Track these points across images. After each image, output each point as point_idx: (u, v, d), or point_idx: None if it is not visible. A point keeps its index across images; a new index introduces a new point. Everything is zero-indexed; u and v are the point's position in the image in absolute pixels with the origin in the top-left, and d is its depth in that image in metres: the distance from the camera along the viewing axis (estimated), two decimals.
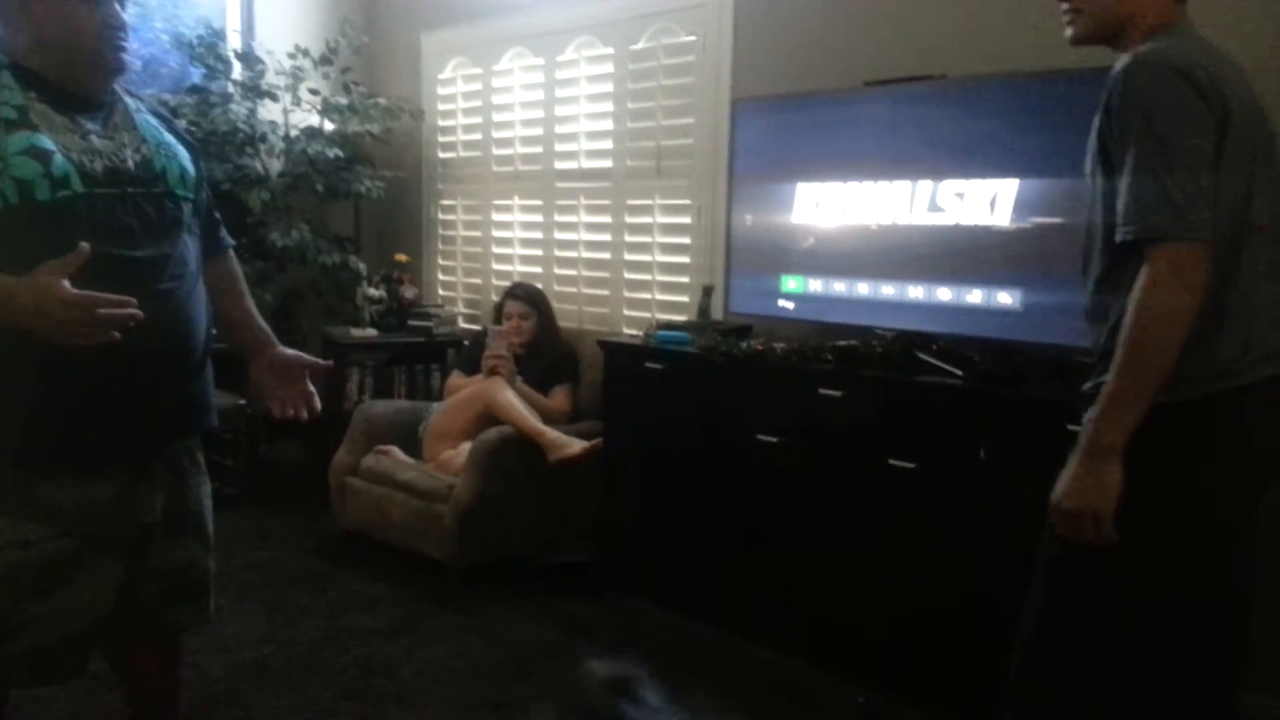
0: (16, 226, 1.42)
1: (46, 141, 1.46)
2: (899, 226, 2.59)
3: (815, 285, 2.80)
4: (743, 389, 2.69)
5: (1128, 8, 1.51)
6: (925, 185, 2.53)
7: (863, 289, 2.69)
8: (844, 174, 2.70)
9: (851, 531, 2.44)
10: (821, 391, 2.48)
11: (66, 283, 1.35)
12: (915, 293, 2.57)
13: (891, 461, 2.33)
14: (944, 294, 2.52)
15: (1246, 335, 1.43)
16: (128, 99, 1.65)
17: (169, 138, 1.67)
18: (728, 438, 2.70)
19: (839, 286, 2.74)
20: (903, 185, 2.57)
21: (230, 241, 1.90)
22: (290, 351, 1.87)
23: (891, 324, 2.58)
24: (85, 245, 1.39)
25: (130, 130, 1.60)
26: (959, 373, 2.30)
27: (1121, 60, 1.44)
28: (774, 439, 2.58)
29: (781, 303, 2.88)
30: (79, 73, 1.55)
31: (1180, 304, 1.34)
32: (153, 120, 1.67)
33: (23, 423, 1.50)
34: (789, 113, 2.88)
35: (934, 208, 2.52)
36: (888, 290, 2.63)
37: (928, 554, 2.29)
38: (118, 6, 1.56)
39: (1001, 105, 2.39)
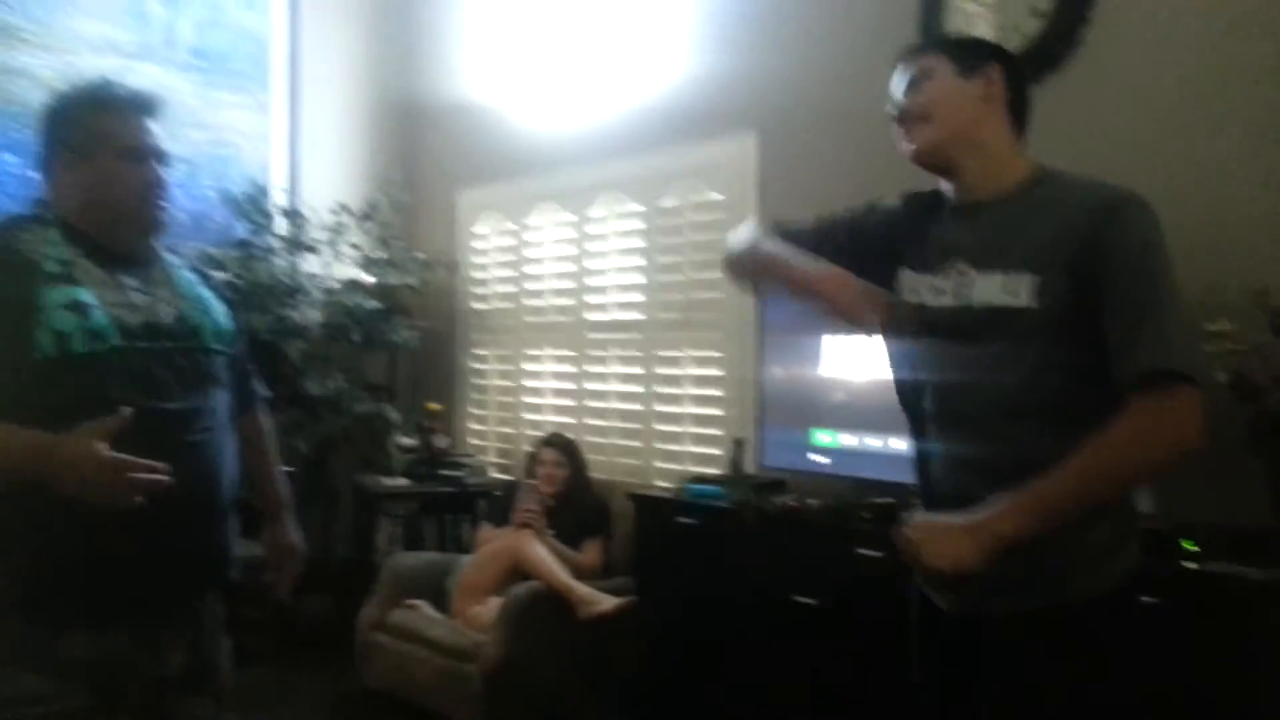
0: (52, 377, 1.45)
1: (87, 296, 1.50)
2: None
3: (848, 440, 2.79)
4: (778, 547, 2.66)
5: (977, 126, 1.47)
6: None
7: (897, 444, 2.68)
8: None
9: (897, 702, 2.35)
10: (860, 552, 2.44)
11: (103, 445, 1.37)
12: None
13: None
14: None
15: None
16: (167, 255, 1.71)
17: (206, 293, 1.72)
18: (763, 598, 2.65)
19: (873, 441, 2.74)
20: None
21: (262, 394, 1.93)
22: (289, 537, 1.91)
23: None
24: (127, 410, 1.40)
25: (168, 286, 1.65)
26: None
27: (1098, 193, 1.39)
28: (812, 601, 2.52)
29: (814, 457, 2.87)
30: (121, 230, 1.61)
31: (1187, 451, 1.28)
32: (190, 276, 1.73)
33: (39, 573, 1.49)
34: None
35: None
36: None
37: None
38: (158, 166, 1.63)
39: None
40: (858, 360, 2.77)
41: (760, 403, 3.12)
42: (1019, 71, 1.52)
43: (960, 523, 1.31)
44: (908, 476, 2.58)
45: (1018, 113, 1.50)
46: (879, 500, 2.57)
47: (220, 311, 1.72)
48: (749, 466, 3.14)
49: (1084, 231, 1.35)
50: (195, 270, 1.77)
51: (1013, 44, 2.67)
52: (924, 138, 1.47)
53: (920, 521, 1.37)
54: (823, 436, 2.85)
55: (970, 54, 1.50)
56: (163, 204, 1.63)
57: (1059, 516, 1.29)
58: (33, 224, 1.57)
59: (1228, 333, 2.01)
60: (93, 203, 1.58)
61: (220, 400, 1.67)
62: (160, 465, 1.40)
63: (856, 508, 2.58)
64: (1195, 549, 1.97)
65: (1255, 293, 2.09)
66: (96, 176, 1.58)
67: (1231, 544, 1.96)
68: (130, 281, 1.59)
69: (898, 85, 1.53)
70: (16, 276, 1.47)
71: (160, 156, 1.63)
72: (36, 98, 3.73)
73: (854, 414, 2.78)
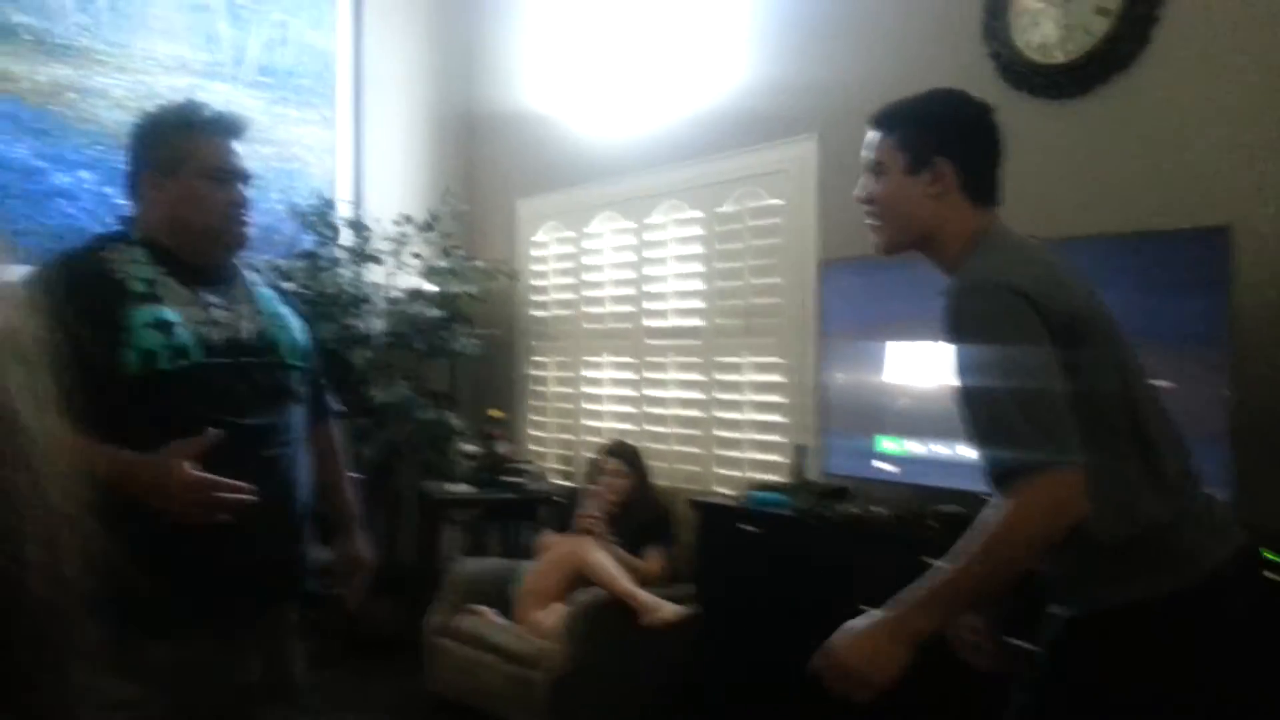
0: (138, 395, 1.50)
1: (170, 314, 1.55)
2: None
3: (914, 446, 2.76)
4: (843, 555, 2.63)
5: (926, 221, 1.50)
6: None
7: (966, 451, 2.64)
8: (937, 334, 2.68)
9: (964, 714, 2.31)
10: (927, 560, 2.40)
11: (190, 464, 1.41)
12: None
13: (1008, 640, 2.22)
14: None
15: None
16: (247, 272, 1.75)
17: (283, 309, 1.76)
18: (828, 607, 2.61)
19: (940, 449, 2.70)
20: None
21: (335, 408, 1.97)
22: (358, 549, 1.93)
23: None
24: (214, 431, 1.45)
25: (248, 302, 1.69)
26: None
27: (949, 282, 1.43)
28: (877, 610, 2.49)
29: (879, 464, 2.83)
30: (204, 248, 1.65)
31: (1069, 524, 1.29)
32: (269, 292, 1.77)
33: (126, 582, 1.53)
34: (878, 274, 2.91)
35: None
36: None
37: None
38: (242, 186, 1.67)
39: (1100, 265, 2.38)
40: (923, 365, 2.73)
41: (823, 409, 3.10)
42: (972, 149, 1.52)
43: (876, 628, 1.38)
44: (977, 484, 2.57)
45: (976, 189, 1.51)
46: (947, 509, 2.53)
47: (297, 327, 1.76)
48: (812, 473, 3.12)
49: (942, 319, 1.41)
50: (273, 287, 1.82)
51: (1078, 45, 2.62)
52: (880, 234, 1.56)
53: (837, 640, 1.42)
54: (888, 443, 2.82)
55: (920, 146, 1.50)
56: (245, 223, 1.68)
57: (963, 607, 1.38)
58: (119, 243, 1.62)
59: None
60: (178, 221, 1.63)
61: (296, 415, 1.71)
62: (244, 485, 1.45)
63: (923, 516, 2.54)
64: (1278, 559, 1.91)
65: None
66: (182, 196, 1.62)
67: None
68: (212, 299, 1.63)
69: (865, 151, 1.57)
70: (105, 296, 1.52)
71: (244, 177, 1.68)
72: (112, 117, 3.89)
73: (921, 420, 2.74)
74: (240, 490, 1.45)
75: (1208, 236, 2.21)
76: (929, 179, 1.49)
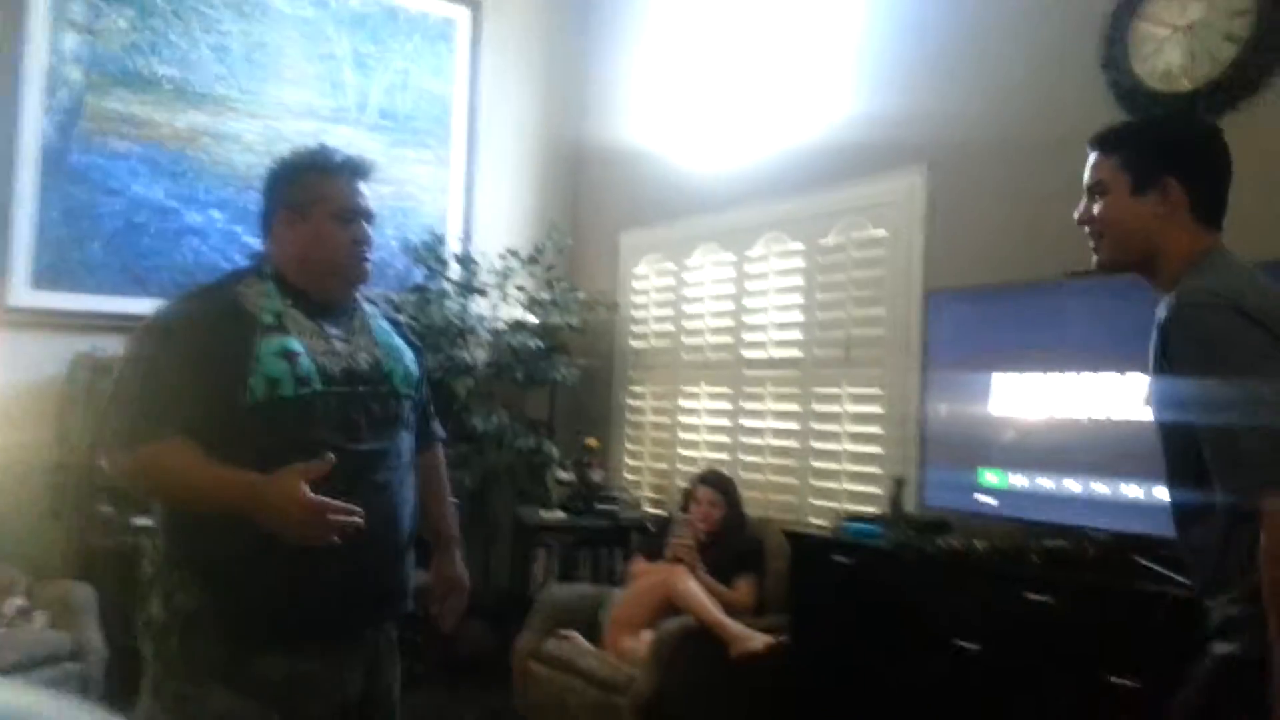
0: (261, 419, 1.58)
1: (296, 345, 1.63)
2: (1111, 421, 2.43)
3: (1018, 480, 2.64)
4: (940, 589, 2.53)
5: (1152, 239, 1.48)
6: (1136, 378, 2.37)
7: (1072, 486, 2.51)
8: (1046, 365, 2.59)
9: None
10: (1028, 596, 2.29)
11: (306, 487, 1.48)
12: (1132, 491, 2.37)
13: (1111, 679, 2.09)
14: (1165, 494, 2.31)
15: None
16: (366, 305, 1.83)
17: (398, 341, 1.83)
18: (923, 642, 2.52)
19: (1045, 482, 2.57)
20: (1111, 378, 2.43)
21: (440, 435, 2.02)
22: (456, 572, 1.97)
23: (1106, 525, 2.38)
24: (329, 455, 1.53)
25: (366, 334, 1.76)
26: (1188, 581, 2.06)
27: (1166, 300, 1.39)
28: (975, 646, 2.38)
29: (980, 497, 2.72)
30: (329, 283, 1.74)
31: None
32: (385, 325, 1.84)
33: (241, 597, 1.59)
34: (985, 304, 2.83)
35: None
36: (1100, 488, 2.44)
37: None
38: (366, 225, 1.76)
39: None
40: (1029, 397, 2.63)
41: (923, 441, 3.00)
42: (1203, 169, 1.51)
43: None
44: (1080, 518, 2.44)
45: (1205, 209, 1.50)
46: (1051, 544, 2.41)
47: (410, 358, 1.82)
48: (909, 506, 3.02)
49: (1159, 335, 1.40)
50: (389, 319, 1.89)
51: (1205, 72, 2.53)
52: (1103, 253, 1.56)
53: None
54: (990, 476, 2.71)
55: (1147, 167, 1.50)
56: (367, 259, 1.76)
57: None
58: (253, 277, 1.72)
59: None
60: (307, 258, 1.71)
61: (405, 441, 1.77)
62: (355, 509, 1.52)
63: (1026, 551, 2.43)
64: None
65: None
66: (313, 235, 1.71)
67: None
68: (333, 330, 1.71)
69: (1087, 173, 1.57)
70: (238, 327, 1.62)
71: (369, 216, 1.76)
72: (243, 160, 4.15)
73: (1024, 453, 2.63)
74: (352, 514, 1.51)
75: None
76: (1157, 199, 1.49)
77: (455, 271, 4.33)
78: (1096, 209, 1.55)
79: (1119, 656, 2.10)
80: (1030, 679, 2.26)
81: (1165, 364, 1.39)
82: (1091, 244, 1.57)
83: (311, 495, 1.48)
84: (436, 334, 4.10)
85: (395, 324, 1.89)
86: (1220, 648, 1.36)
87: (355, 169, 1.76)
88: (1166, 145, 1.53)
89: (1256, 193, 2.39)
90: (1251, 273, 1.44)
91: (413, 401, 1.81)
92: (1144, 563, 2.18)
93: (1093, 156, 1.57)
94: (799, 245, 3.68)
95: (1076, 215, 1.59)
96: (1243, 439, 1.28)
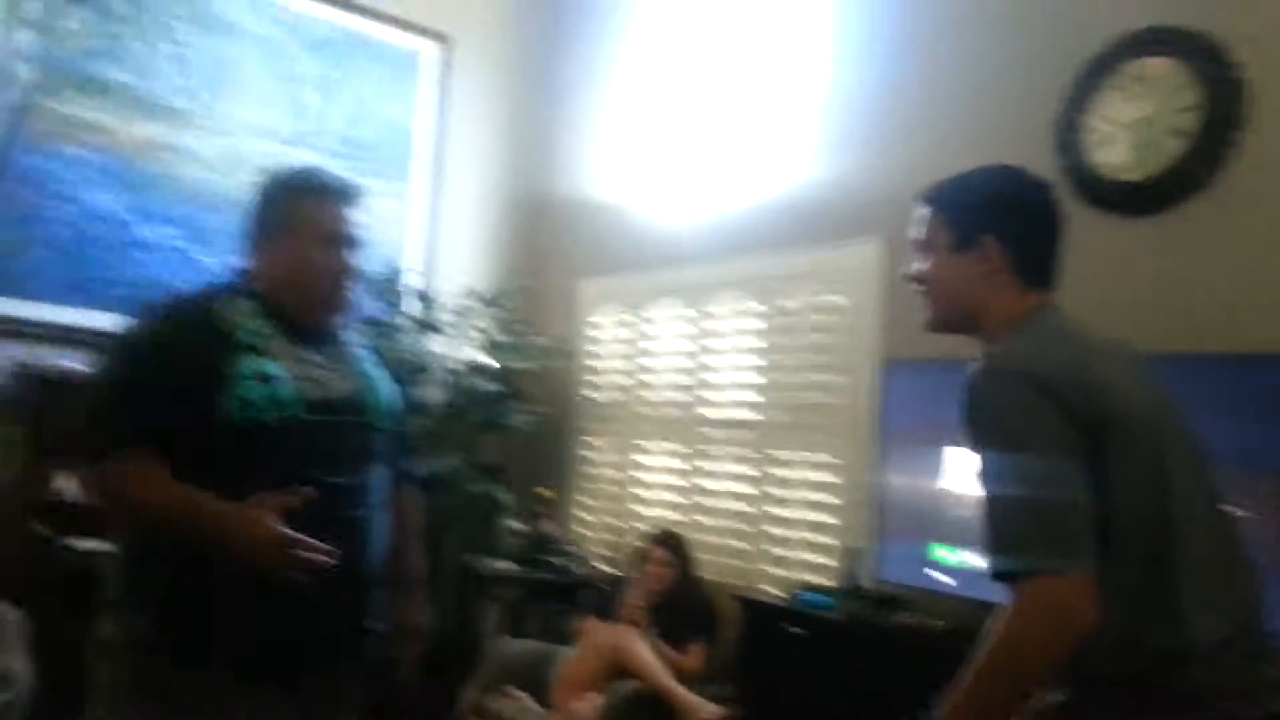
0: (234, 442, 1.53)
1: (275, 368, 1.59)
2: None
3: (970, 558, 2.68)
4: (895, 667, 2.54)
5: (975, 299, 1.46)
6: None
7: None
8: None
9: None
10: None
11: (277, 519, 1.44)
12: None
13: None
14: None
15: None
16: (349, 334, 1.80)
17: (377, 372, 1.80)
18: (873, 716, 2.53)
19: None
20: None
21: (419, 474, 1.99)
22: (418, 617, 1.93)
23: None
24: (310, 490, 1.49)
25: (345, 363, 1.73)
26: None
27: (971, 365, 1.36)
28: None
29: (937, 574, 2.76)
30: (311, 308, 1.70)
31: (1073, 633, 1.21)
32: (365, 354, 1.81)
33: (198, 624, 1.54)
34: (943, 376, 2.85)
35: None
36: None
37: None
38: (352, 253, 1.72)
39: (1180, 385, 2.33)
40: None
41: (879, 512, 3.04)
42: (1024, 227, 1.47)
43: None
44: None
45: (1028, 268, 1.46)
46: None
47: (389, 390, 1.79)
48: (865, 579, 3.05)
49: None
50: (371, 349, 1.86)
51: (1152, 165, 2.62)
52: (929, 312, 1.53)
53: None
54: (943, 552, 2.75)
55: (966, 224, 1.47)
56: (349, 287, 1.73)
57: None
58: (232, 294, 1.67)
59: None
60: (288, 281, 1.67)
61: (380, 476, 1.73)
62: (328, 548, 1.47)
63: (981, 632, 2.46)
64: None
65: None
66: (295, 257, 1.67)
67: None
68: (313, 356, 1.67)
69: (914, 228, 1.55)
70: (212, 344, 1.57)
71: (354, 243, 1.73)
72: (199, 176, 4.03)
73: (977, 531, 2.67)
74: (321, 551, 1.47)
75: None
76: (975, 257, 1.45)
77: (413, 307, 4.26)
78: (923, 267, 1.51)
79: None
80: None
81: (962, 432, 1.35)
82: (921, 303, 1.53)
83: (279, 528, 1.44)
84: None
85: (378, 354, 1.85)
86: None
87: (344, 193, 1.73)
88: (985, 202, 1.48)
89: (1209, 286, 2.52)
90: (1074, 338, 1.39)
91: (390, 436, 1.77)
92: None
93: (921, 212, 1.53)
94: (759, 306, 3.72)
95: (903, 272, 1.56)
96: (999, 522, 1.26)
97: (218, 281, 1.73)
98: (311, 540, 1.46)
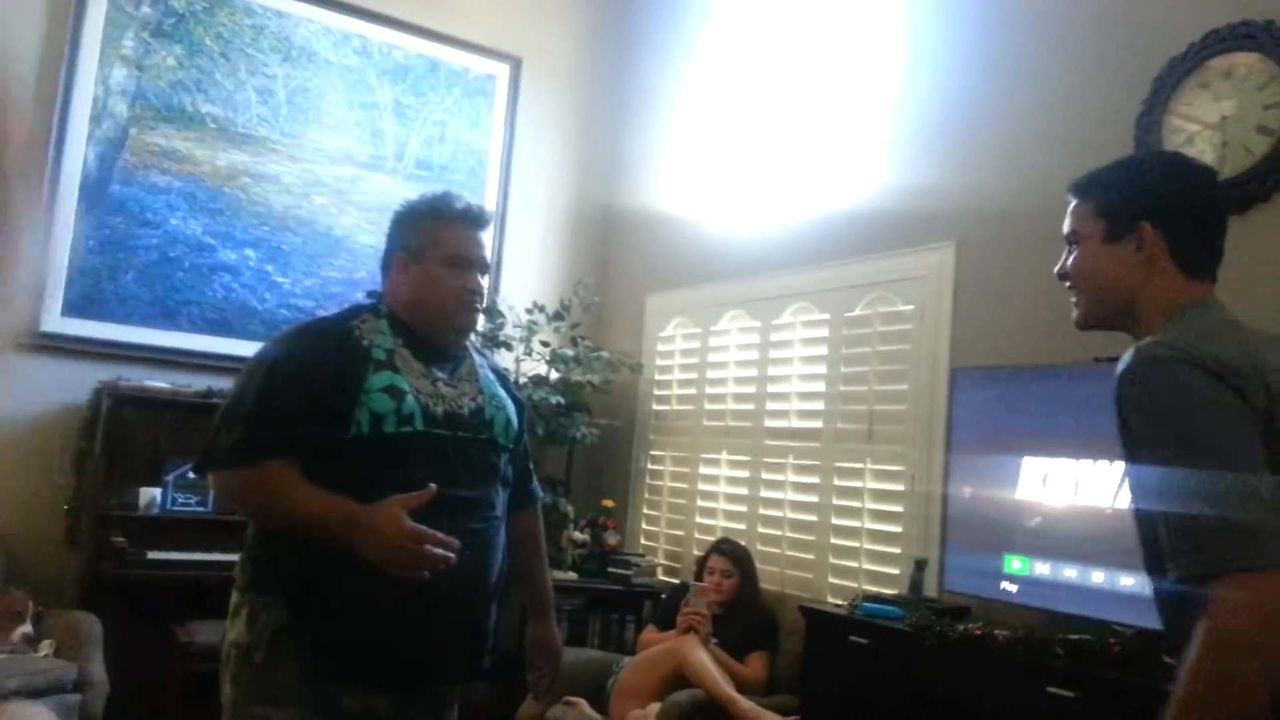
0: (362, 452, 1.61)
1: (403, 383, 1.65)
2: None
3: (1042, 568, 2.58)
4: (959, 677, 2.46)
5: (1129, 290, 1.35)
6: None
7: (1098, 578, 2.45)
8: (1073, 451, 2.55)
9: None
10: (1050, 690, 2.23)
11: (407, 516, 1.50)
12: None
13: None
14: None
15: None
16: (475, 354, 1.85)
17: (502, 392, 1.84)
18: None
19: (1070, 573, 2.51)
20: None
21: (539, 495, 2.02)
22: (552, 642, 1.97)
23: (1131, 620, 2.31)
24: (433, 487, 1.55)
25: (472, 381, 1.77)
26: None
27: (1126, 353, 1.25)
28: None
29: (1004, 584, 2.66)
30: (439, 328, 1.75)
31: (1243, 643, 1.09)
32: (491, 375, 1.85)
33: (326, 624, 1.60)
34: (1013, 384, 2.80)
35: None
36: (1127, 581, 2.38)
37: None
38: (479, 276, 1.78)
39: None
40: (1055, 483, 2.58)
41: (945, 523, 2.96)
42: (1183, 213, 1.38)
43: None
44: (1105, 612, 2.38)
45: (1189, 256, 1.36)
46: (1075, 637, 2.34)
47: (511, 410, 1.83)
48: (930, 589, 2.96)
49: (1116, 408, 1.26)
50: (496, 371, 1.90)
51: (1238, 163, 2.52)
52: (1079, 308, 1.43)
53: None
54: (1014, 563, 2.65)
55: (1121, 212, 1.38)
56: (476, 308, 1.78)
57: None
58: (369, 314, 1.75)
59: None
60: (419, 301, 1.74)
61: (499, 493, 1.77)
62: (455, 542, 1.54)
63: (1049, 642, 2.36)
64: None
65: None
66: (425, 279, 1.74)
67: None
68: (440, 374, 1.73)
69: (1065, 222, 1.46)
70: (351, 360, 1.65)
71: (482, 267, 1.80)
72: (280, 201, 4.20)
73: (1049, 541, 2.58)
74: (449, 546, 1.53)
75: None
76: (1132, 246, 1.35)
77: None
78: (1072, 261, 1.43)
79: None
80: None
81: (1120, 425, 1.24)
82: (1072, 298, 1.43)
83: (411, 522, 1.50)
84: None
85: (501, 376, 1.90)
86: None
87: (473, 218, 1.80)
88: (1139, 187, 1.39)
89: None
90: (1239, 328, 1.31)
91: (510, 454, 1.82)
92: (1171, 662, 2.11)
93: (1070, 203, 1.45)
94: (825, 316, 3.67)
95: (1056, 269, 1.46)
96: (1194, 511, 1.13)
97: (358, 303, 1.81)
98: (439, 534, 1.52)
